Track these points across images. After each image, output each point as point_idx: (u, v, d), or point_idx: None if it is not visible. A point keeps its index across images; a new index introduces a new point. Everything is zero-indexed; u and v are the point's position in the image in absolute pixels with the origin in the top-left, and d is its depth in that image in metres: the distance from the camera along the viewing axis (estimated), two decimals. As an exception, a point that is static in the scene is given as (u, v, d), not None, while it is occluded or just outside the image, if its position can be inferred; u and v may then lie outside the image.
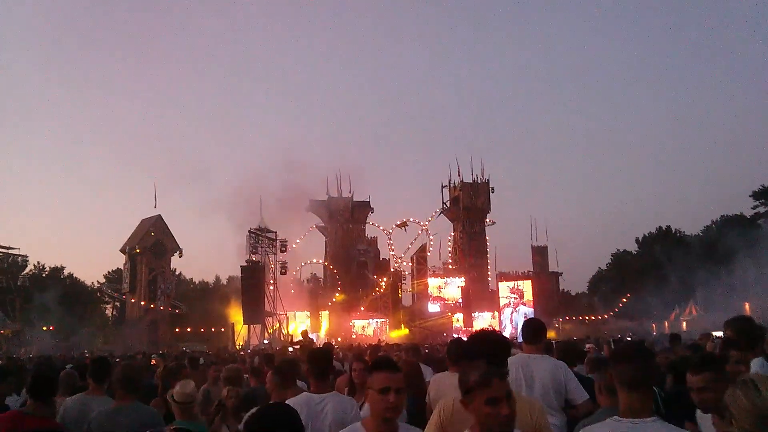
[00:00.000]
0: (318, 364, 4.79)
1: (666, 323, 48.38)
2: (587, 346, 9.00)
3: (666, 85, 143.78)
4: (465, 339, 6.12)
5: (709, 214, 63.98)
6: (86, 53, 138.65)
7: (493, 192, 63.71)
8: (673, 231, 67.46)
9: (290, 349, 15.88)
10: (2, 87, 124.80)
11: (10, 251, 56.79)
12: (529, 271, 61.00)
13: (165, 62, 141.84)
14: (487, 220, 64.41)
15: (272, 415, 2.49)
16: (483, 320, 56.10)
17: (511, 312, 56.76)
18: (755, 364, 4.84)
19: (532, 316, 50.85)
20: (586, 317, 58.64)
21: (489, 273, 63.46)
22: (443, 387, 5.17)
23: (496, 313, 57.23)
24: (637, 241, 70.07)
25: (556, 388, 5.07)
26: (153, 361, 15.22)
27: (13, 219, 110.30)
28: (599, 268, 75.35)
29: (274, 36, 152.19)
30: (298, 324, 49.97)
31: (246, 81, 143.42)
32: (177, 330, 57.65)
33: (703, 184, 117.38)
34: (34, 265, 66.13)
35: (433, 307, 59.11)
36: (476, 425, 2.80)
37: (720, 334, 9.69)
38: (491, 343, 3.78)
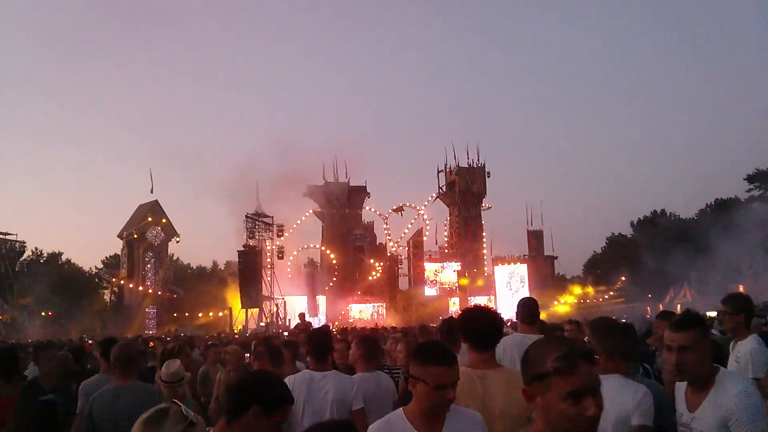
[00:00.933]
0: (317, 343, 4.83)
1: (660, 306, 48.64)
2: (566, 327, 9.13)
3: (660, 67, 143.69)
4: (452, 320, 6.24)
5: (704, 198, 64.02)
6: (82, 40, 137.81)
7: (489, 176, 63.78)
8: (668, 214, 67.72)
9: (285, 333, 16.07)
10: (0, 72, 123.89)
11: (7, 237, 56.87)
12: (524, 255, 61.27)
13: (160, 47, 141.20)
14: (483, 204, 64.51)
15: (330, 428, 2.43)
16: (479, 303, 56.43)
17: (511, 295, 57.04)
18: (751, 340, 5.03)
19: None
20: (581, 301, 58.97)
21: (485, 257, 63.72)
22: None
23: (492, 297, 57.52)
24: (631, 224, 70.39)
25: None
26: (151, 344, 15.38)
27: (11, 205, 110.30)
28: (594, 251, 75.77)
29: (271, 19, 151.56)
30: (296, 308, 50.28)
31: (242, 65, 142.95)
32: (175, 315, 57.88)
33: (698, 168, 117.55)
34: (31, 251, 66.24)
35: (430, 291, 59.46)
36: (542, 425, 2.03)
37: (714, 314, 9.90)
38: (484, 321, 3.57)
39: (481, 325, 3.56)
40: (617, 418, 3.25)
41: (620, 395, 3.30)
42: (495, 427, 3.18)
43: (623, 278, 54.96)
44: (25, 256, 63.57)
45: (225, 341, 15.66)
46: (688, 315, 3.37)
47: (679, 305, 47.27)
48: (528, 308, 5.55)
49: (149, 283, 58.56)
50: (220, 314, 54.09)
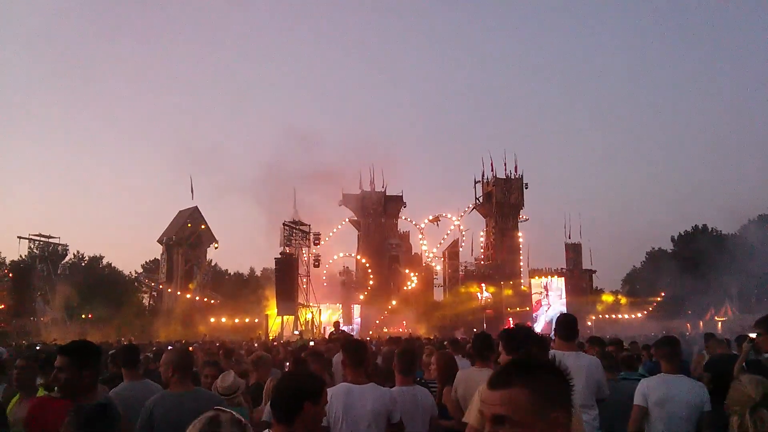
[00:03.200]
0: (354, 355, 4.84)
1: (701, 323, 47.75)
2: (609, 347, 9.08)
3: (703, 82, 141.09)
4: (486, 334, 6.23)
5: (746, 213, 62.56)
6: (127, 47, 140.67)
7: (526, 188, 63.40)
8: (710, 229, 66.42)
9: (311, 342, 16.18)
10: (45, 79, 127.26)
11: (50, 240, 58.06)
12: (562, 268, 60.63)
13: (206, 57, 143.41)
14: (521, 216, 64.07)
15: None
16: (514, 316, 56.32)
17: (546, 309, 56.42)
18: None
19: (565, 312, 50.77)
20: (621, 316, 58.13)
21: (521, 269, 63.20)
22: (471, 384, 5.23)
23: (527, 309, 57.03)
24: (672, 239, 69.19)
25: (591, 386, 5.14)
26: (190, 349, 15.54)
27: (54, 209, 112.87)
28: (633, 266, 74.58)
29: (310, 26, 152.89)
30: (330, 316, 50.49)
31: (281, 73, 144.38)
32: (212, 320, 58.53)
33: (740, 182, 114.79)
34: (73, 254, 67.47)
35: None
36: None
37: (754, 335, 9.75)
38: (533, 340, 3.67)
39: (517, 343, 3.62)
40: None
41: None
42: None
43: (663, 294, 54.01)
44: (66, 259, 64.83)
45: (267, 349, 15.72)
46: (523, 358, 1.90)
47: (720, 323, 46.35)
48: (565, 324, 5.51)
49: (187, 289, 59.30)
50: (256, 320, 54.50)
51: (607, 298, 59.17)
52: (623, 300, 59.13)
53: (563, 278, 58.69)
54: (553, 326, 5.74)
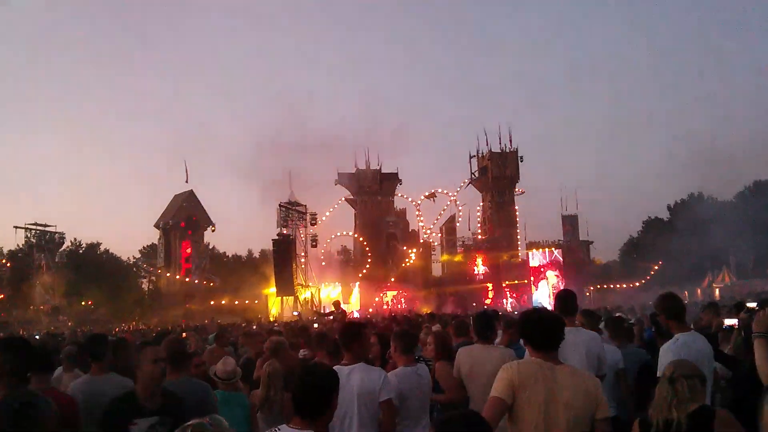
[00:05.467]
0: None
1: (698, 290, 47.99)
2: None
3: (694, 49, 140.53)
4: (486, 313, 6.24)
5: (742, 180, 62.53)
6: (118, 34, 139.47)
7: (521, 161, 63.19)
8: (705, 197, 66.44)
9: (315, 325, 16.10)
10: (37, 68, 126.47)
11: (46, 228, 57.97)
12: (559, 240, 60.70)
13: (197, 40, 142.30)
14: (516, 189, 64.01)
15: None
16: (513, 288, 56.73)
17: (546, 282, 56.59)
18: None
19: (561, 285, 51.08)
20: (617, 285, 58.34)
21: (519, 242, 63.31)
22: (477, 360, 5.36)
23: (525, 282, 57.26)
24: (668, 207, 69.24)
25: (591, 360, 5.15)
26: (184, 335, 15.54)
27: (50, 197, 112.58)
28: (630, 235, 74.71)
29: (302, 5, 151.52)
30: (329, 295, 50.68)
31: (272, 52, 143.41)
32: (212, 303, 58.71)
33: (736, 149, 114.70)
34: (70, 241, 67.39)
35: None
36: None
37: (754, 304, 9.71)
38: (549, 324, 3.69)
39: (546, 329, 3.68)
40: None
41: None
42: (559, 414, 3.38)
43: (660, 262, 54.16)
44: (64, 246, 64.77)
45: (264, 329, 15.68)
46: None
47: (717, 289, 46.58)
48: (564, 300, 5.51)
49: (186, 272, 59.43)
50: (256, 302, 54.72)
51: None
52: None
53: (560, 249, 58.73)
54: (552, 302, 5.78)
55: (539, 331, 3.66)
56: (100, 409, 4.85)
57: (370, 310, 49.30)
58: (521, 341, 3.99)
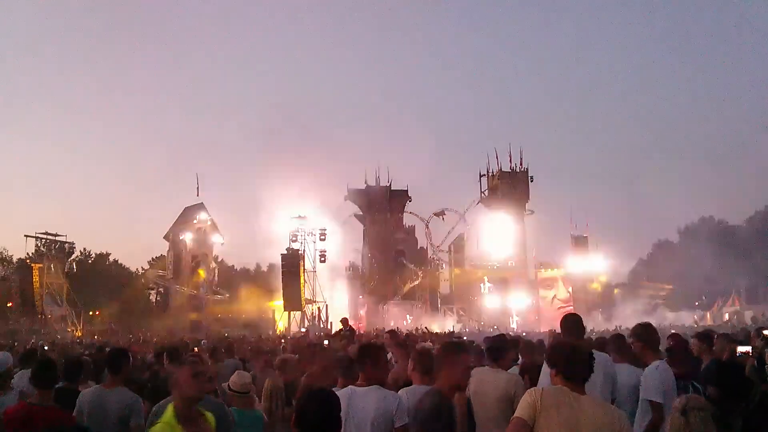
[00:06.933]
0: (363, 357, 4.84)
1: (708, 314, 47.70)
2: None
3: (709, 73, 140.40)
4: (497, 337, 6.25)
5: (754, 205, 62.29)
6: (128, 47, 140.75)
7: (532, 181, 63.16)
8: (716, 221, 66.21)
9: (325, 342, 16.00)
10: (47, 79, 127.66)
11: (57, 238, 58.18)
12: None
13: (208, 54, 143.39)
14: (526, 209, 63.93)
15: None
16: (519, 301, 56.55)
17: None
18: None
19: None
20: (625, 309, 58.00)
21: (527, 263, 63.09)
22: (483, 384, 5.27)
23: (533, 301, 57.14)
24: (679, 230, 69.05)
25: (608, 382, 5.17)
26: (195, 349, 15.55)
27: (60, 206, 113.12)
28: (640, 257, 74.41)
29: (314, 19, 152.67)
30: (337, 311, 50.58)
31: (283, 66, 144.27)
32: (219, 316, 58.69)
33: (749, 173, 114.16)
34: (80, 251, 67.59)
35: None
36: None
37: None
38: (583, 359, 3.69)
39: (580, 360, 3.71)
40: None
41: None
42: None
43: (670, 286, 53.91)
44: (74, 256, 64.91)
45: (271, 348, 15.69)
46: None
47: (727, 314, 46.30)
48: (572, 323, 5.50)
49: (194, 285, 59.47)
50: (263, 316, 54.69)
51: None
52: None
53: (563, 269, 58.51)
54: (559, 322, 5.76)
55: (573, 361, 3.66)
56: (105, 420, 4.94)
57: (376, 327, 49.20)
58: (549, 369, 3.95)
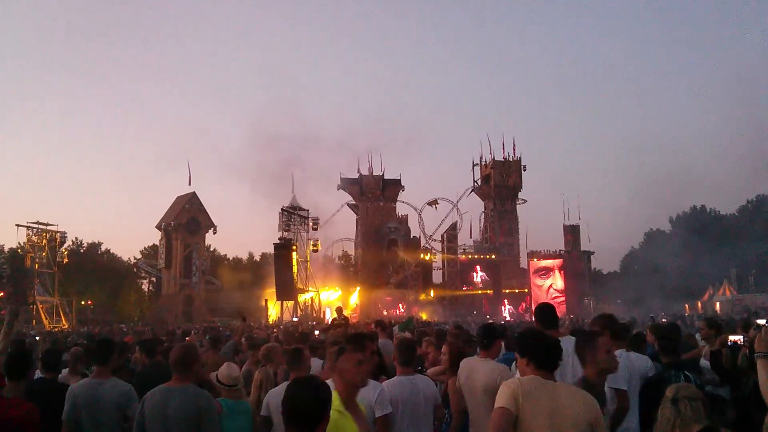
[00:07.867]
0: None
1: (699, 303, 47.90)
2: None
3: (699, 61, 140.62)
4: (487, 325, 6.19)
5: (745, 194, 62.59)
6: (121, 38, 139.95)
7: (524, 170, 63.29)
8: (708, 210, 66.41)
9: (316, 332, 15.93)
10: (41, 71, 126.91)
11: (48, 227, 57.93)
12: (560, 250, 60.71)
13: (199, 44, 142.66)
14: (519, 198, 64.06)
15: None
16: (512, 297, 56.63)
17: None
18: None
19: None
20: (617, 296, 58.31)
21: (519, 251, 63.29)
22: (473, 373, 5.24)
23: (525, 290, 57.29)
24: (670, 220, 69.23)
25: (574, 368, 5.18)
26: (188, 339, 15.53)
27: (52, 196, 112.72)
28: (632, 247, 74.63)
29: (311, 12, 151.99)
30: (329, 300, 50.65)
31: (278, 56, 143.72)
32: (211, 305, 58.67)
33: (740, 163, 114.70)
34: (72, 241, 67.30)
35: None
36: None
37: (764, 321, 9.62)
38: (552, 346, 3.69)
39: (549, 349, 3.69)
40: None
41: None
42: (566, 429, 3.42)
43: (661, 275, 54.10)
44: (65, 246, 64.63)
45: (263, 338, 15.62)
46: None
47: (718, 303, 46.48)
48: (546, 314, 5.47)
49: (186, 274, 59.40)
50: (255, 306, 54.62)
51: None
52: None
53: (561, 259, 58.73)
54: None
55: (543, 350, 3.67)
56: (98, 412, 4.87)
57: (369, 315, 49.30)
58: (520, 359, 3.94)
